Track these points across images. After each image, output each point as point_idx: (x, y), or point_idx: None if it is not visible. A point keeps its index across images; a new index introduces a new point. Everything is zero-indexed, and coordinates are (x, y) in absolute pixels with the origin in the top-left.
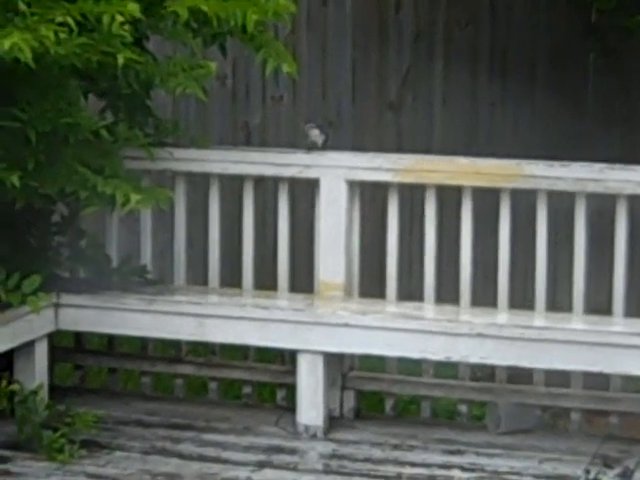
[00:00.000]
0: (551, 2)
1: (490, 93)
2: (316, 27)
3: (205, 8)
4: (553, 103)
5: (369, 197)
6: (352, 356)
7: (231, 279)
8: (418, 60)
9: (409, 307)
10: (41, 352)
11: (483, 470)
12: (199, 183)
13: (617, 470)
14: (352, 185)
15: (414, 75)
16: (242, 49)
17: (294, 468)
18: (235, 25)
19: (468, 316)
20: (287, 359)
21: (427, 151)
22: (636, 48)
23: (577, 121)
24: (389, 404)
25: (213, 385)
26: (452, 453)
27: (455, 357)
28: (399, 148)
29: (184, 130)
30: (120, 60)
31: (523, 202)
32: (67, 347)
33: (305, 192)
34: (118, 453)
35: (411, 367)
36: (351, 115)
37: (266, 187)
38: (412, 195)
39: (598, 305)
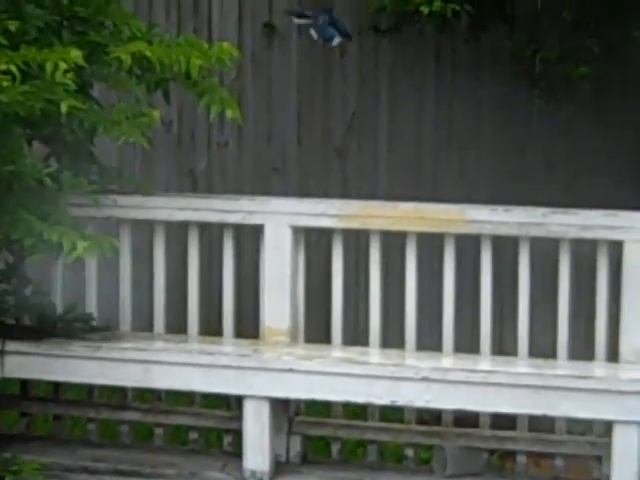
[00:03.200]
0: (495, 53)
1: (435, 138)
2: (261, 72)
3: (149, 54)
4: (498, 147)
5: (315, 241)
6: (298, 401)
7: (177, 325)
8: (363, 105)
9: (354, 352)
10: None
11: None
12: (144, 229)
13: None
14: (296, 231)
15: (359, 120)
16: (187, 95)
17: None
18: (179, 71)
19: (413, 360)
20: (233, 405)
21: (373, 196)
22: (579, 95)
23: (521, 165)
24: (336, 448)
25: (159, 431)
26: None
27: (400, 401)
28: (345, 193)
29: (128, 177)
30: (63, 108)
31: (468, 246)
32: (12, 394)
33: (250, 237)
34: None
35: (357, 411)
36: (296, 160)
37: (211, 233)
38: (357, 240)
39: (544, 347)
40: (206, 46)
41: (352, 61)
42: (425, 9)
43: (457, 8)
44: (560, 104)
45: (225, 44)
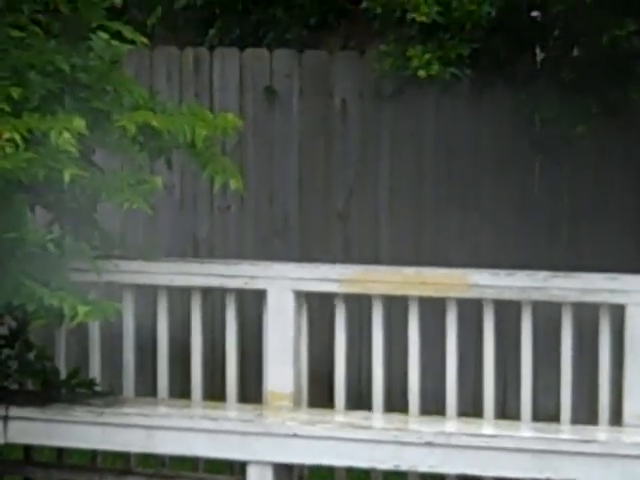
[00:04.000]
0: (496, 112)
1: (436, 200)
2: (262, 135)
3: (155, 123)
4: (499, 207)
5: (317, 305)
6: (301, 466)
7: (180, 389)
8: (364, 168)
9: (357, 416)
10: None
11: None
12: (147, 294)
13: None
14: (299, 295)
15: (361, 183)
16: (188, 160)
17: None
18: (184, 141)
19: (416, 424)
20: (237, 470)
21: (375, 259)
22: (578, 155)
23: (523, 226)
24: None
25: None
26: None
27: (404, 466)
28: (347, 257)
29: (131, 244)
30: (66, 176)
31: (470, 309)
32: (16, 460)
33: (253, 301)
34: None
35: (361, 476)
36: (298, 224)
37: (214, 297)
38: (360, 303)
39: (547, 410)
40: (210, 116)
41: (353, 124)
42: (422, 73)
43: (456, 72)
44: (560, 164)
45: (229, 115)
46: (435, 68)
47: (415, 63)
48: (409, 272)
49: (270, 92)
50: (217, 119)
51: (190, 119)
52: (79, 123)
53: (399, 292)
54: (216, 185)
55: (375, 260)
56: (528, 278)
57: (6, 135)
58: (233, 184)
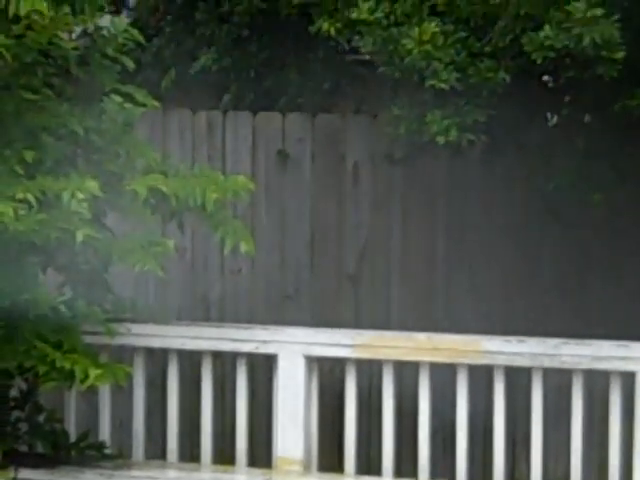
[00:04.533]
0: (508, 177)
1: (447, 265)
2: (274, 198)
3: (164, 188)
4: (510, 272)
5: (327, 369)
6: None
7: (190, 452)
8: (376, 232)
9: None
10: None
11: None
12: (157, 357)
13: None
14: (310, 360)
15: (372, 247)
16: (200, 221)
17: None
18: (194, 204)
19: None
20: None
21: (385, 324)
22: (592, 221)
23: (534, 291)
24: None
25: None
26: None
27: None
28: (357, 321)
29: (143, 307)
30: (79, 237)
31: (481, 375)
32: None
33: (263, 365)
34: None
35: None
36: (309, 287)
37: (224, 360)
38: (370, 367)
39: (557, 475)
40: (222, 178)
41: (365, 188)
42: (441, 139)
43: (472, 137)
44: (571, 229)
45: (241, 177)
46: (453, 134)
47: (434, 129)
48: (421, 338)
49: (283, 155)
50: (228, 181)
51: (202, 182)
52: (92, 185)
53: (411, 358)
54: (227, 247)
55: (385, 323)
56: (540, 345)
57: (19, 196)
58: (244, 246)
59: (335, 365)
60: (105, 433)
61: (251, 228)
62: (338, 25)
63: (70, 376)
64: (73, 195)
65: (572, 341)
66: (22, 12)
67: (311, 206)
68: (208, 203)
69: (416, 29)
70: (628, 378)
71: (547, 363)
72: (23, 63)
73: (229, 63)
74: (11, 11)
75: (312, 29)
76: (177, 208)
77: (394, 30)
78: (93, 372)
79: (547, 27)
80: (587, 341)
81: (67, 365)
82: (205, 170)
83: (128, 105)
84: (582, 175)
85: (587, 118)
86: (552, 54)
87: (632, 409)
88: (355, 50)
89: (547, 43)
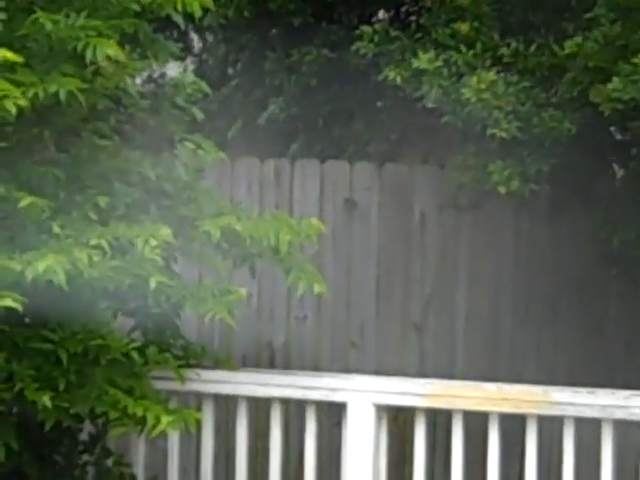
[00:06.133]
0: (574, 230)
1: (513, 317)
2: (341, 246)
3: (238, 228)
4: (576, 328)
5: (392, 416)
6: None
7: None
8: (442, 281)
9: None
10: None
11: None
12: (224, 403)
13: None
14: (379, 409)
15: (438, 296)
16: (267, 267)
17: None
18: (268, 246)
19: None
20: None
21: (450, 374)
22: None
23: (600, 346)
24: None
25: None
26: None
27: None
28: (422, 370)
29: (212, 353)
30: (152, 284)
31: (549, 429)
32: None
33: (333, 413)
34: None
35: None
36: (375, 335)
37: (288, 408)
38: (436, 418)
39: None
40: (294, 222)
41: (432, 237)
42: (503, 189)
43: (535, 188)
44: (637, 283)
45: (313, 220)
46: (515, 184)
47: (495, 178)
48: (491, 388)
49: (350, 204)
50: (301, 224)
51: (275, 225)
52: (166, 232)
53: (481, 408)
54: (299, 290)
55: (450, 373)
56: (609, 396)
57: (93, 242)
58: (317, 288)
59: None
60: (174, 478)
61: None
62: (405, 74)
63: (141, 422)
64: (146, 242)
65: None
66: (99, 57)
67: (377, 254)
68: (282, 245)
69: (475, 78)
70: None
71: (617, 415)
72: (94, 109)
73: (297, 112)
74: (88, 56)
75: (379, 77)
76: (249, 251)
77: (454, 79)
78: (165, 418)
79: (615, 79)
80: None
81: (139, 411)
82: (276, 214)
83: (201, 152)
84: None
85: None
86: (620, 106)
87: None
88: (422, 99)
89: (615, 95)
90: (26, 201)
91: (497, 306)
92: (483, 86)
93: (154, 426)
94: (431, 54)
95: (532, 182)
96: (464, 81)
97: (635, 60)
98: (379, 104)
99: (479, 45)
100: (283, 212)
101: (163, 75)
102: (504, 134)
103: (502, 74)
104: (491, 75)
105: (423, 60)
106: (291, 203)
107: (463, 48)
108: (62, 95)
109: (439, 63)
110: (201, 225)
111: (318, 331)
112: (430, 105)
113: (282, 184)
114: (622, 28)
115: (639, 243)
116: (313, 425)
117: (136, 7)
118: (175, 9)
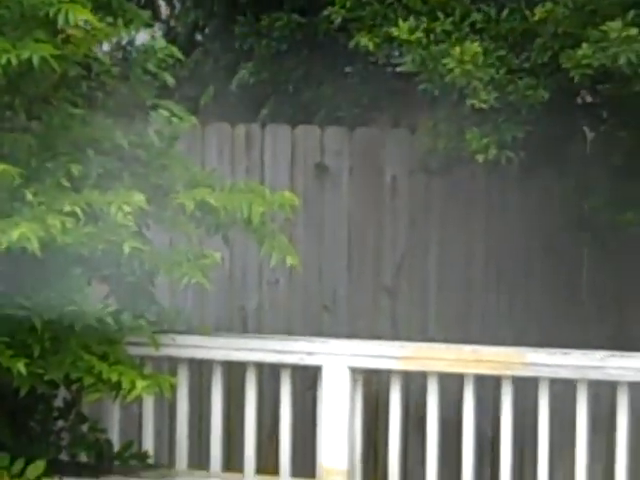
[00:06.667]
0: (545, 194)
1: (484, 280)
2: (312, 211)
3: (212, 201)
4: (547, 291)
5: (365, 380)
6: None
7: (233, 463)
8: (413, 245)
9: None
10: None
11: None
12: (198, 368)
13: None
14: (354, 372)
15: (409, 260)
16: (239, 233)
17: None
18: (241, 217)
19: None
20: None
21: (422, 336)
22: (627, 242)
23: (570, 309)
24: None
25: None
26: None
27: None
28: (394, 334)
29: (187, 318)
30: (126, 249)
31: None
32: None
33: (306, 377)
34: None
35: None
36: (346, 299)
37: (264, 372)
38: (414, 380)
39: None
40: (268, 193)
41: (403, 201)
42: (481, 157)
43: (511, 155)
44: (608, 247)
45: (287, 193)
46: (493, 152)
47: (473, 146)
48: (466, 350)
49: (321, 168)
50: (274, 196)
51: (248, 196)
52: (139, 198)
53: (455, 370)
54: (273, 261)
55: (422, 338)
56: (584, 357)
57: (67, 209)
58: (289, 260)
59: (373, 376)
60: (149, 443)
61: (289, 240)
62: (377, 40)
63: (116, 387)
64: (120, 208)
65: (617, 354)
66: (72, 22)
67: (349, 219)
68: (254, 217)
69: (457, 48)
70: None
71: (592, 375)
72: (65, 76)
73: (268, 77)
74: (61, 22)
75: (351, 44)
76: (223, 222)
77: (434, 49)
78: (140, 384)
79: (585, 45)
80: (633, 353)
81: (114, 377)
82: (251, 185)
83: (175, 119)
84: (617, 194)
85: (624, 134)
86: (590, 71)
87: None
88: (393, 64)
89: (585, 61)
90: None
91: (469, 270)
92: (467, 58)
93: (129, 391)
94: (411, 22)
95: (507, 149)
96: (444, 49)
97: (604, 27)
98: (349, 69)
99: (457, 13)
100: (252, 179)
101: (131, 42)
102: (483, 105)
103: (479, 42)
104: (475, 46)
105: (403, 30)
106: (262, 168)
107: (441, 15)
108: (35, 61)
109: (420, 34)
110: (175, 197)
111: (290, 295)
112: (400, 70)
113: (253, 149)
114: None
115: (609, 207)
116: (288, 388)
117: None
118: None
